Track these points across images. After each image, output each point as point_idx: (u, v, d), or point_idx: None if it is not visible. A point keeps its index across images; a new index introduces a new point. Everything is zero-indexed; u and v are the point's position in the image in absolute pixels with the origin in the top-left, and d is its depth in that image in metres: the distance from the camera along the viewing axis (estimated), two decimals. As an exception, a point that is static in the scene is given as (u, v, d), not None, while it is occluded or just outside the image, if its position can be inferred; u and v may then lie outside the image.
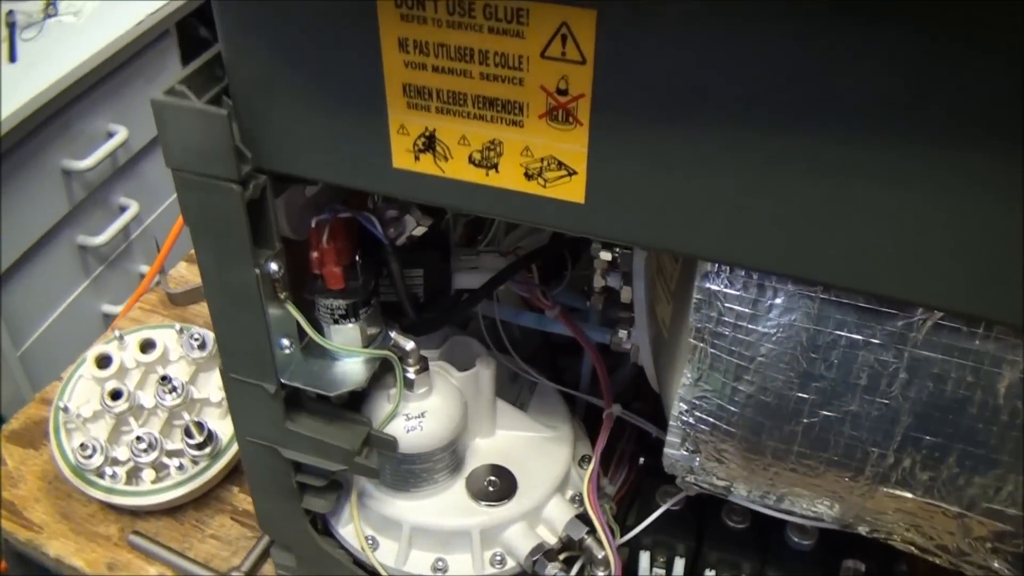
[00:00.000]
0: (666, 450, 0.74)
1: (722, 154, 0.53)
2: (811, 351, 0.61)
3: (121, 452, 1.12)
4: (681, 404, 0.68)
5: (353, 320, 0.76)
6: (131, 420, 1.14)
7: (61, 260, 1.95)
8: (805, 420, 0.64)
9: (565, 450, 0.93)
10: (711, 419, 0.67)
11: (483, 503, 0.87)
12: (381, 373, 0.85)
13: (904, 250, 0.53)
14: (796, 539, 0.86)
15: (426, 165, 0.61)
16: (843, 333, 0.60)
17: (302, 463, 0.84)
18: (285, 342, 0.75)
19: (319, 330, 0.76)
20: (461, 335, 0.92)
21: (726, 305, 0.62)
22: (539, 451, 0.92)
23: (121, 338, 1.17)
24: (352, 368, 0.78)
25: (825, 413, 0.63)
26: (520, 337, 1.08)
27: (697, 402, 0.67)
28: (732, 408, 0.65)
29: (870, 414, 0.62)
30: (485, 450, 0.91)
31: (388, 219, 0.76)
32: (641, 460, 1.00)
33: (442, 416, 0.84)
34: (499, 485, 0.88)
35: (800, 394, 0.62)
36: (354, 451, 0.79)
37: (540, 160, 0.58)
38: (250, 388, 0.77)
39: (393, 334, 0.81)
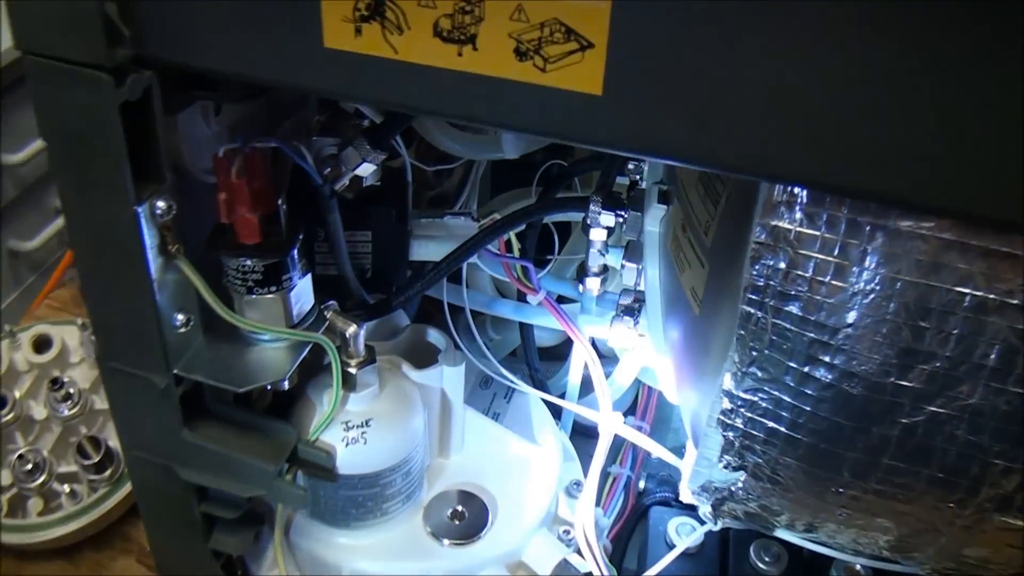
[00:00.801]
0: (695, 468, 0.55)
1: (807, 16, 0.35)
2: (920, 317, 0.42)
3: (4, 476, 0.90)
4: (724, 401, 0.49)
5: (274, 289, 0.56)
6: (17, 435, 0.93)
7: (-13, 265, 1.73)
8: (904, 420, 0.45)
9: (551, 472, 0.73)
10: (768, 422, 0.48)
11: (447, 541, 0.67)
12: (314, 368, 0.66)
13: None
14: (845, 587, 0.68)
15: (371, 42, 0.42)
16: (967, 290, 0.42)
17: (208, 488, 0.64)
18: (179, 318, 0.55)
19: (228, 303, 0.56)
20: (420, 324, 0.73)
21: (800, 251, 0.43)
22: (518, 474, 0.73)
23: (13, 335, 0.97)
24: (271, 356, 0.58)
25: (933, 409, 0.44)
26: (494, 336, 0.89)
27: (749, 398, 0.48)
28: (800, 405, 0.47)
29: (996, 410, 0.44)
30: (450, 472, 0.72)
31: (325, 156, 0.57)
32: (641, 485, 0.81)
33: (393, 425, 0.64)
34: (467, 517, 0.69)
35: (900, 382, 0.44)
36: (275, 471, 0.60)
37: (539, 27, 0.39)
38: (134, 382, 0.57)
39: (330, 314, 0.61)
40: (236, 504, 0.65)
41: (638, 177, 0.67)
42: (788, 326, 0.45)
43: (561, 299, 0.79)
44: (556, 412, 0.82)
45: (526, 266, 0.71)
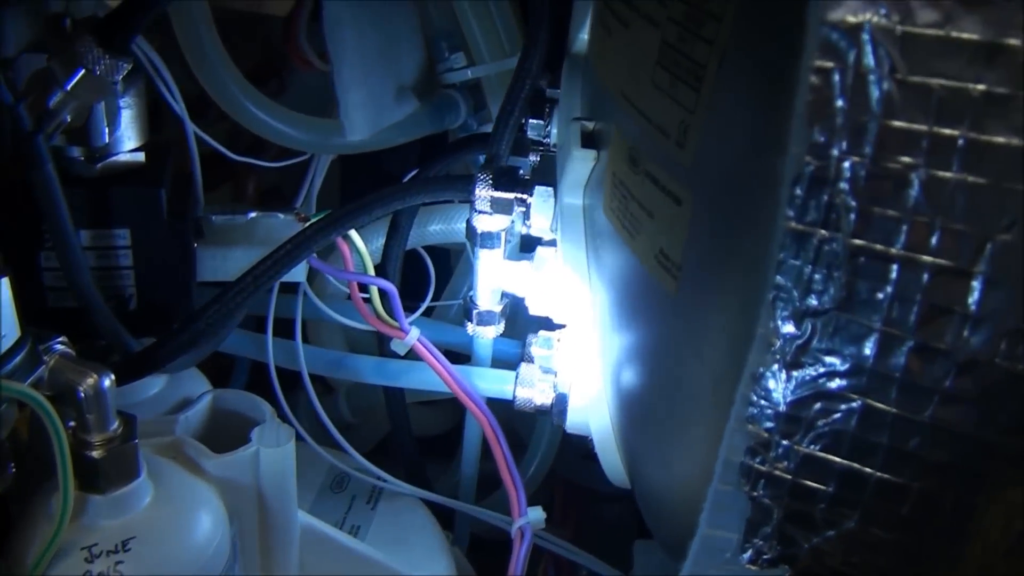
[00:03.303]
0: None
1: None
2: None
3: None
4: (752, 429, 0.26)
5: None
6: None
7: None
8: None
9: (443, 610, 0.48)
10: (840, 458, 0.25)
11: None
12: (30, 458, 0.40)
13: None
14: None
15: None
16: None
17: None
18: None
19: None
20: (223, 390, 0.47)
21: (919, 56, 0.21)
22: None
23: None
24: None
25: None
26: (351, 420, 0.64)
27: (801, 413, 0.25)
28: (911, 416, 0.24)
29: None
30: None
31: (33, 75, 0.33)
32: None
33: (172, 549, 0.39)
34: None
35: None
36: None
37: None
38: None
39: (54, 358, 0.36)
40: None
41: (544, 138, 0.45)
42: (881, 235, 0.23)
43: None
44: (446, 521, 0.57)
45: (385, 291, 0.47)
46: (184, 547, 0.39)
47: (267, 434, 0.43)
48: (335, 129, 0.51)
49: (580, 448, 0.70)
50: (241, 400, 0.47)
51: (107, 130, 0.38)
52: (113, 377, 0.37)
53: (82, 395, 0.37)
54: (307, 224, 0.44)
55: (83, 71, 0.33)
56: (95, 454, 0.37)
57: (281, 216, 0.45)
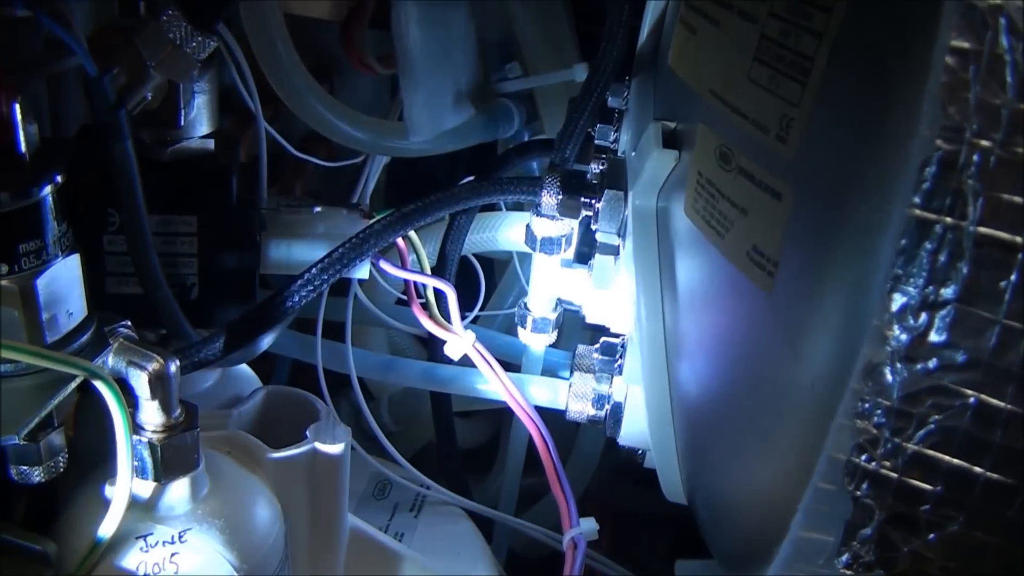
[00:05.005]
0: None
1: None
2: None
3: None
4: (860, 426, 0.25)
5: (3, 269, 0.31)
6: None
7: None
8: None
9: (487, 620, 0.47)
10: (949, 456, 0.25)
11: None
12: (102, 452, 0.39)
13: None
14: None
15: None
16: None
17: None
18: None
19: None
20: (279, 387, 0.47)
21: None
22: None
23: None
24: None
25: None
26: (393, 428, 0.64)
27: (914, 408, 0.24)
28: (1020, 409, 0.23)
29: None
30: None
31: (117, 49, 0.33)
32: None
33: (228, 541, 0.38)
34: None
35: None
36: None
37: None
38: None
39: (118, 341, 0.36)
40: None
41: (611, 143, 0.44)
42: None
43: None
44: (486, 532, 0.56)
45: (441, 293, 0.47)
46: (241, 541, 0.39)
47: (324, 431, 0.43)
48: (396, 130, 0.50)
49: (617, 468, 0.69)
50: (295, 397, 0.46)
51: (182, 113, 0.38)
52: (179, 363, 0.37)
53: (149, 379, 0.36)
54: (372, 220, 0.44)
55: (170, 47, 0.33)
56: (152, 436, 0.37)
57: (345, 212, 0.45)
